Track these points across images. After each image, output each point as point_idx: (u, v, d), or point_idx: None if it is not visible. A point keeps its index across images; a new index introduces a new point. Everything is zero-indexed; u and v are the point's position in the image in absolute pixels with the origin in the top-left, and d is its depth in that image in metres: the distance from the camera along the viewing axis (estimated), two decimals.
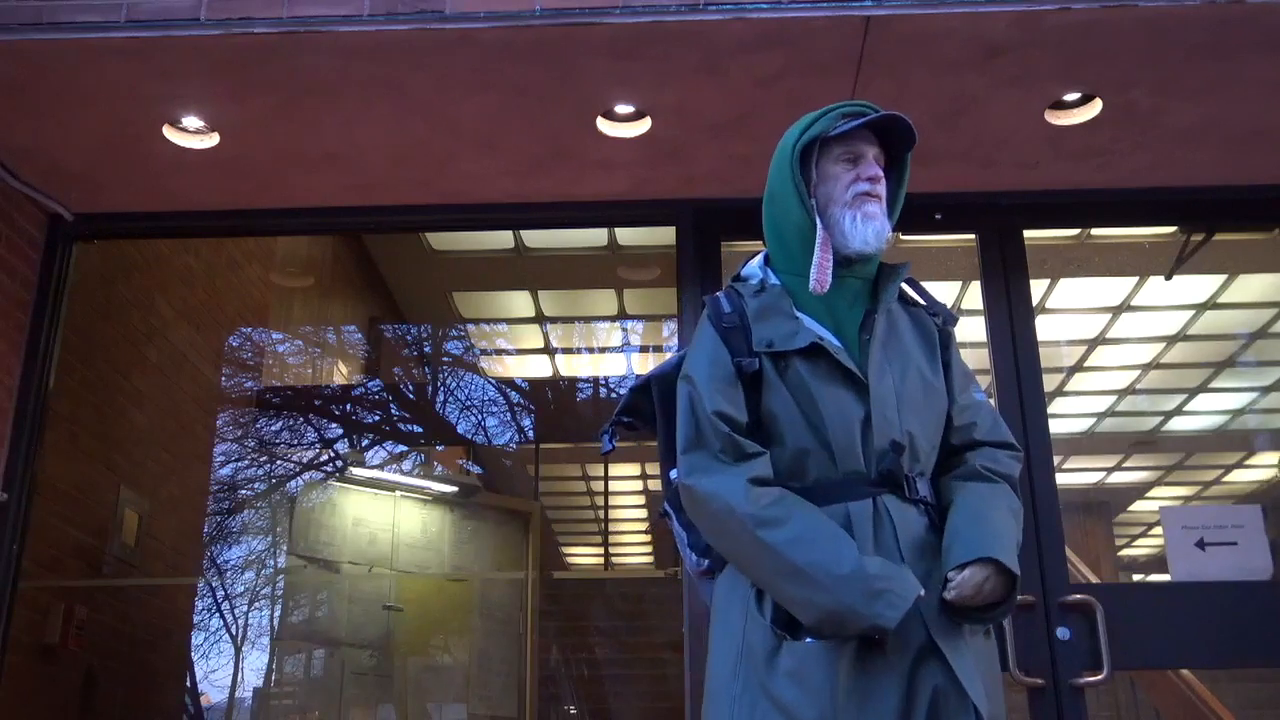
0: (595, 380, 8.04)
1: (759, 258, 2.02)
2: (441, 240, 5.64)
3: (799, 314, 1.89)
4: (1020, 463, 1.97)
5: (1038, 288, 3.62)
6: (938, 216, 3.63)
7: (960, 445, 1.94)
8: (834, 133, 1.91)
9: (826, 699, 1.67)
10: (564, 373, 7.70)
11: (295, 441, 7.77)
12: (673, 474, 1.96)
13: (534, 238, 5.54)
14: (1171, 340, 6.27)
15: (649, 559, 9.77)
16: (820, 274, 1.85)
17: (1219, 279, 5.55)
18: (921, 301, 2.03)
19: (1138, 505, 9.13)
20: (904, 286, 2.02)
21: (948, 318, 2.02)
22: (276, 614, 6.41)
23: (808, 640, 1.72)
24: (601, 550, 9.90)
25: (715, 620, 1.87)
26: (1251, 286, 5.68)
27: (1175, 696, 4.47)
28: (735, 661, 1.77)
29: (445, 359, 8.10)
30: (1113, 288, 5.60)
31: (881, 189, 1.92)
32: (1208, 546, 3.38)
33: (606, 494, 8.93)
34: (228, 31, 2.83)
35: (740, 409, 1.83)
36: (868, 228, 1.87)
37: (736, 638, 1.79)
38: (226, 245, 5.63)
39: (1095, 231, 4.48)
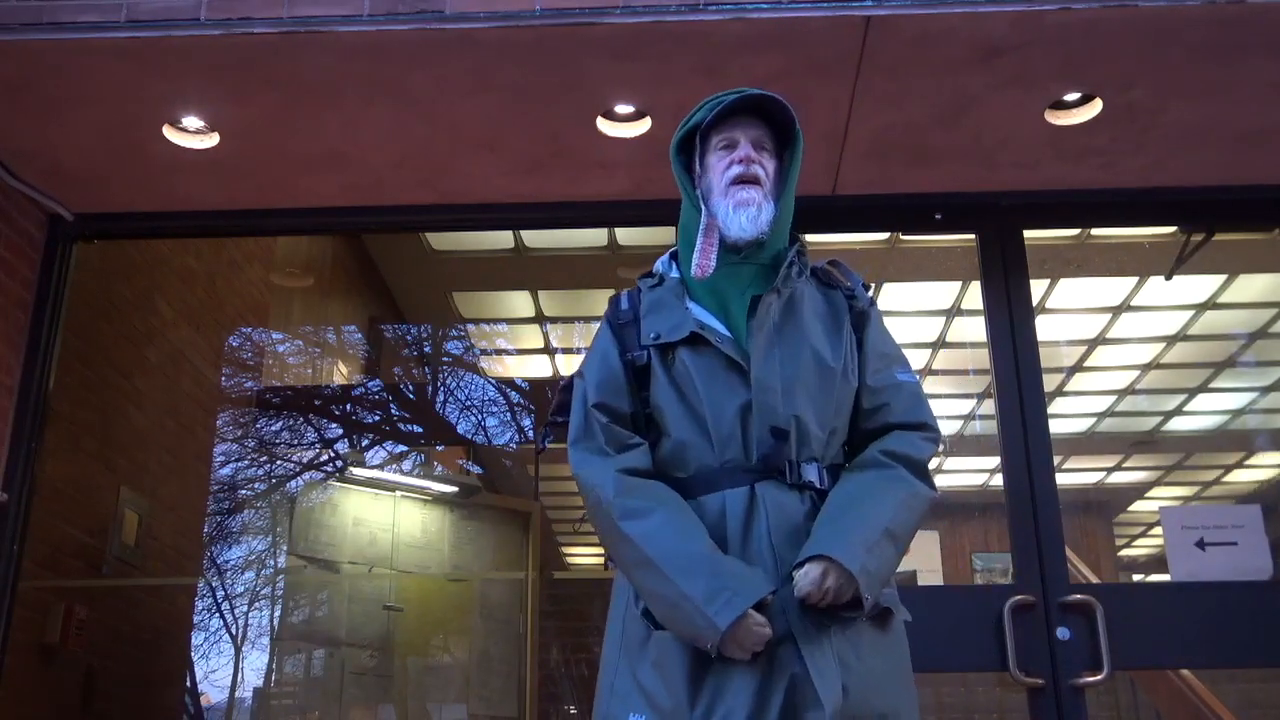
0: None
1: (667, 253, 2.06)
2: (441, 240, 5.63)
3: (690, 304, 1.91)
4: (936, 444, 1.89)
5: (1038, 288, 3.62)
6: (938, 216, 3.63)
7: (872, 429, 1.89)
8: (705, 123, 1.93)
9: (682, 688, 1.71)
10: (564, 373, 7.69)
11: (295, 441, 7.77)
12: None
13: (534, 238, 5.54)
14: (1171, 340, 6.27)
15: None
16: (702, 259, 1.88)
17: (1219, 279, 5.55)
18: (846, 282, 1.99)
19: (1138, 505, 9.13)
20: (830, 268, 2.01)
21: (862, 296, 1.97)
22: (276, 614, 6.41)
23: (669, 630, 1.76)
24: (601, 550, 9.89)
25: (609, 611, 1.93)
26: (1251, 286, 5.68)
27: (1175, 696, 4.47)
28: (617, 651, 1.84)
29: (445, 359, 8.11)
30: (1113, 288, 5.60)
31: (758, 170, 1.90)
32: (1208, 546, 3.38)
33: None
34: (228, 31, 2.83)
35: (624, 401, 1.89)
36: (742, 214, 1.87)
37: (618, 627, 1.86)
38: (226, 245, 5.63)
39: (1095, 231, 4.48)
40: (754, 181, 1.89)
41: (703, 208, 1.92)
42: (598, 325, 2.08)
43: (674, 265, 2.02)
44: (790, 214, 1.97)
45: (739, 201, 1.88)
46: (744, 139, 1.92)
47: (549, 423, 2.07)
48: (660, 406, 1.88)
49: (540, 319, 6.72)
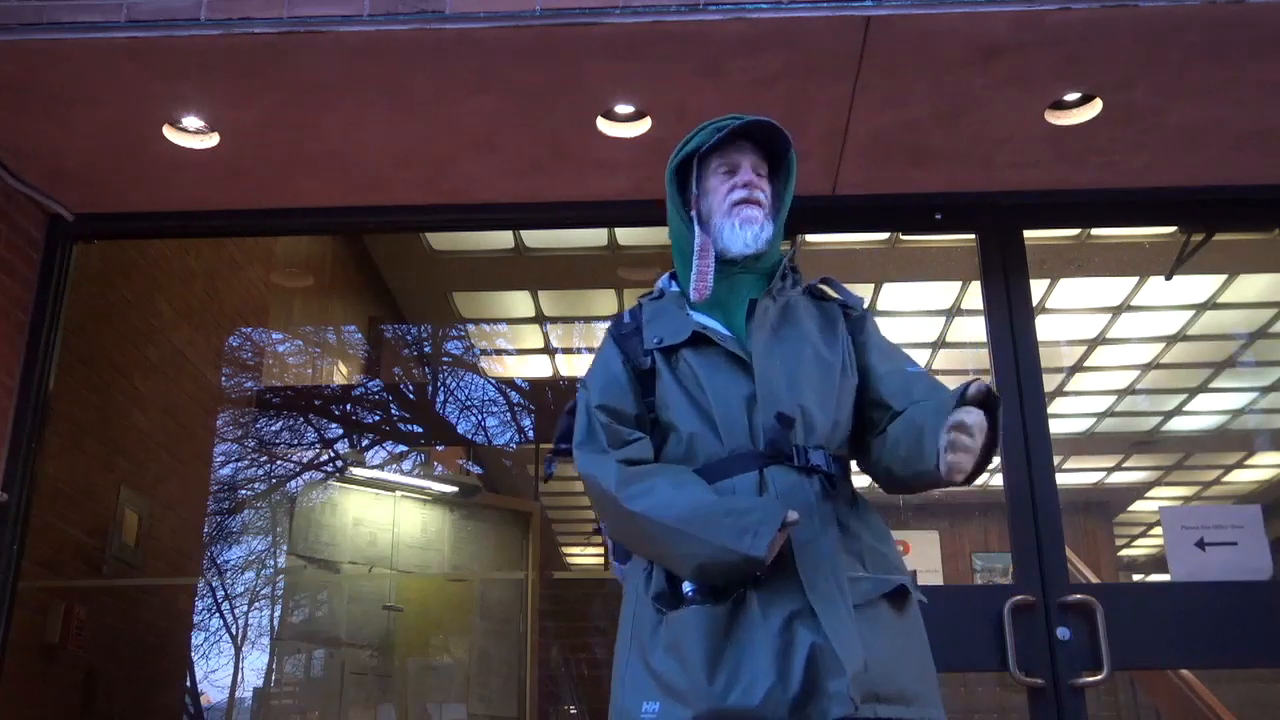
0: None
1: (666, 274, 2.15)
2: (441, 240, 5.64)
3: (691, 311, 2.00)
4: None
5: (1038, 288, 3.62)
6: (938, 216, 3.63)
7: (898, 412, 1.92)
8: (705, 147, 2.02)
9: (700, 666, 1.73)
10: (564, 373, 7.70)
11: (295, 441, 7.77)
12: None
13: (534, 238, 5.54)
14: (1171, 340, 6.27)
15: None
16: (699, 281, 1.97)
17: (1219, 279, 5.55)
18: (838, 295, 2.09)
19: (1138, 505, 9.12)
20: (822, 285, 2.10)
21: (856, 305, 2.08)
22: (276, 614, 6.42)
23: (683, 610, 1.79)
24: (602, 550, 9.90)
25: (621, 611, 1.98)
26: (1251, 286, 5.68)
27: (1175, 696, 4.47)
28: (627, 645, 1.88)
29: (445, 359, 8.11)
30: (1113, 288, 5.60)
31: (761, 194, 2.02)
32: (1208, 546, 3.38)
33: None
34: (228, 31, 2.84)
35: (627, 403, 1.96)
36: (746, 231, 1.98)
37: (629, 620, 1.91)
38: (226, 245, 5.63)
39: (1095, 231, 4.48)
40: (757, 203, 2.01)
41: (697, 229, 2.01)
42: (598, 325, 2.13)
43: (673, 282, 2.12)
44: (782, 233, 2.08)
45: (744, 219, 1.99)
46: (745, 164, 2.03)
47: (554, 450, 2.13)
48: (667, 404, 1.95)
49: (540, 319, 6.72)
